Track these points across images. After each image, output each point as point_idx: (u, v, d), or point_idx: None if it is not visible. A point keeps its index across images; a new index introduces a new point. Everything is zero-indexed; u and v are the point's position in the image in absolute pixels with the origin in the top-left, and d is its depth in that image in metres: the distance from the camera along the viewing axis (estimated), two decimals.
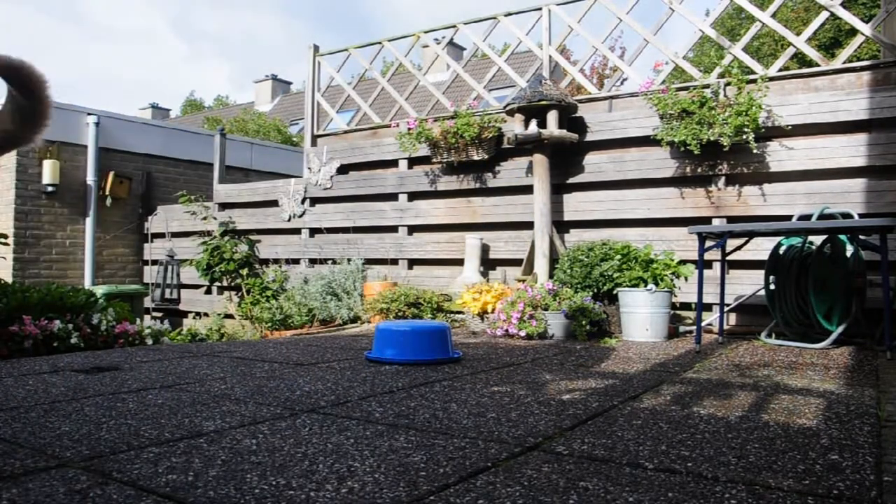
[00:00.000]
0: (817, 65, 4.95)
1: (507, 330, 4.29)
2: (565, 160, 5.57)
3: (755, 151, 4.74)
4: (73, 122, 8.56)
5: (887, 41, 4.76)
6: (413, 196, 6.54)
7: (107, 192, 8.68)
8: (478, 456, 1.52)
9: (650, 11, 5.57)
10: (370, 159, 6.85)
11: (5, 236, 4.89)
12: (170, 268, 8.34)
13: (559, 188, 5.64)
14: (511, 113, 5.58)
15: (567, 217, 5.63)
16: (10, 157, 8.10)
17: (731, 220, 4.90)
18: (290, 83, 34.82)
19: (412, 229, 6.58)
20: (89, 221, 8.65)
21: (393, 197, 6.64)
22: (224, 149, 8.32)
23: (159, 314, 8.49)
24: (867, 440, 1.67)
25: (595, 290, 4.50)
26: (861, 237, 3.79)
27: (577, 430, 1.77)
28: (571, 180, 5.61)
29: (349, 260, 6.60)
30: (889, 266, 3.45)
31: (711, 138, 4.66)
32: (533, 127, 5.29)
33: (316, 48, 7.44)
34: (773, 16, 5.17)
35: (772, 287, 4.14)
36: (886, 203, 4.39)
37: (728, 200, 4.94)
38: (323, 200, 7.15)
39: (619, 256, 4.45)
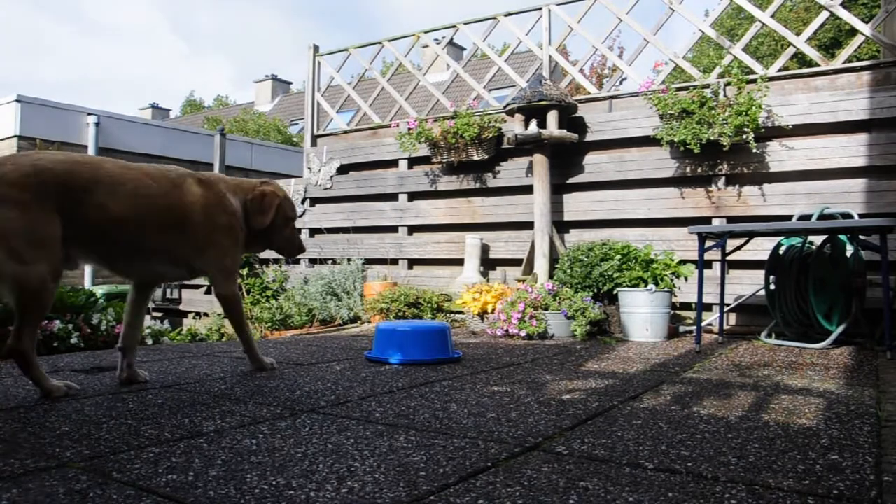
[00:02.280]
0: (817, 65, 4.95)
1: (507, 330, 4.29)
2: (565, 160, 5.57)
3: (755, 151, 4.74)
4: (73, 122, 8.57)
5: (887, 41, 4.76)
6: (413, 196, 6.55)
7: None
8: (478, 456, 1.52)
9: (650, 11, 5.58)
10: (370, 159, 6.85)
11: None
12: None
13: (559, 188, 5.64)
14: (511, 113, 5.58)
15: (567, 217, 5.63)
16: None
17: (731, 220, 4.90)
18: (290, 83, 34.84)
19: (412, 229, 6.58)
20: None
21: (393, 197, 6.64)
22: (224, 149, 8.33)
23: (159, 314, 8.49)
24: (867, 440, 1.67)
25: (595, 291, 4.50)
26: (861, 237, 3.79)
27: (577, 430, 1.77)
28: (571, 180, 5.61)
29: (349, 260, 6.60)
30: (889, 266, 3.45)
31: (711, 138, 4.67)
32: (533, 127, 5.29)
33: (316, 48, 7.44)
34: (773, 16, 5.17)
35: (772, 287, 4.14)
36: (886, 203, 4.39)
37: (728, 200, 4.94)
38: (323, 200, 7.15)
39: (619, 256, 4.45)
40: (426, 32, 6.73)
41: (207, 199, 2.43)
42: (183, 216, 2.36)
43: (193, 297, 8.32)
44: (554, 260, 5.24)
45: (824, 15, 4.98)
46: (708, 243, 3.89)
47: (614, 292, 4.39)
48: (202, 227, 2.41)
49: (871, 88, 4.60)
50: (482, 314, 4.86)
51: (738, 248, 4.31)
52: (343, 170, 7.03)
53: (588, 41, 5.86)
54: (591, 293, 4.49)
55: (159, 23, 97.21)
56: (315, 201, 7.19)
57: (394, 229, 6.64)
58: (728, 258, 4.29)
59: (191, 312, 8.35)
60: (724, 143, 4.63)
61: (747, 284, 4.74)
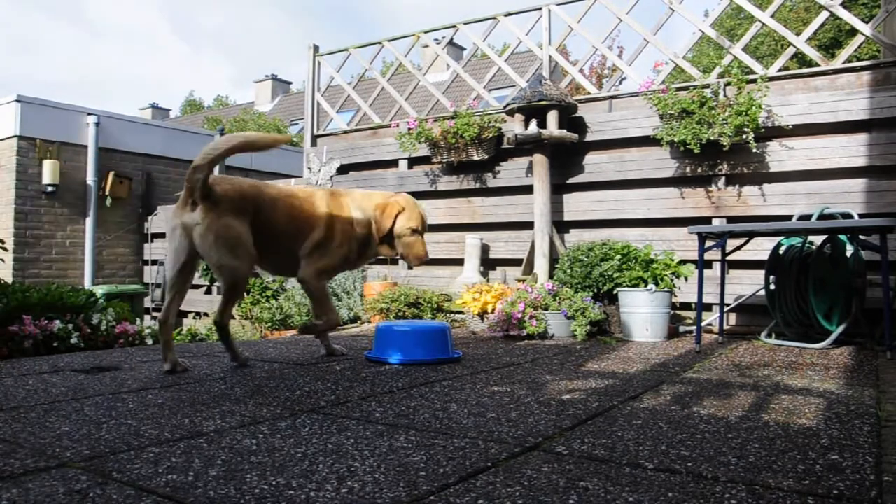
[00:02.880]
0: (817, 65, 4.95)
1: (507, 330, 4.28)
2: (565, 160, 5.57)
3: (755, 151, 4.74)
4: (73, 122, 8.56)
5: (887, 41, 4.76)
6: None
7: (107, 192, 8.68)
8: (478, 456, 1.52)
9: (650, 11, 5.58)
10: (370, 159, 6.85)
11: (2, 241, 4.89)
12: None
13: (559, 188, 5.64)
14: (511, 113, 5.58)
15: (567, 217, 5.63)
16: (10, 157, 8.10)
17: (731, 220, 4.90)
18: (290, 83, 34.82)
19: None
20: (89, 221, 8.65)
21: None
22: None
23: (159, 314, 8.48)
24: (867, 440, 1.67)
25: (595, 290, 4.50)
26: (861, 237, 3.80)
27: (577, 430, 1.77)
28: (571, 180, 5.61)
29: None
30: (889, 266, 3.45)
31: (711, 138, 4.67)
32: (533, 127, 5.29)
33: (316, 48, 7.44)
34: (773, 16, 5.18)
35: (772, 287, 4.14)
36: (886, 203, 4.39)
37: (728, 200, 4.94)
38: None
39: (619, 256, 4.45)
40: (426, 32, 6.73)
41: (332, 209, 3.02)
42: (315, 223, 2.98)
43: (193, 297, 8.31)
44: (554, 260, 5.24)
45: (824, 15, 4.98)
46: (708, 243, 3.89)
47: (614, 292, 4.39)
48: (323, 230, 2.99)
49: (871, 88, 4.60)
50: (482, 314, 4.86)
51: (738, 248, 4.31)
52: (343, 170, 7.03)
53: (588, 41, 5.86)
54: (591, 293, 4.49)
55: (160, 23, 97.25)
56: None
57: None
58: (728, 258, 4.28)
59: (191, 312, 8.34)
60: (724, 143, 4.63)
61: (747, 284, 4.74)
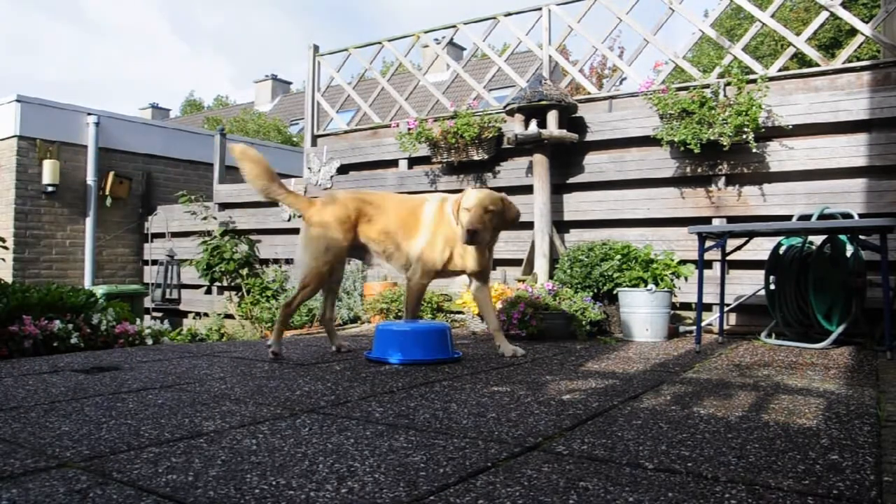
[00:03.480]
0: (817, 65, 4.95)
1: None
2: (565, 160, 5.57)
3: (755, 151, 4.74)
4: (73, 122, 8.56)
5: (887, 41, 4.76)
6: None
7: (107, 192, 8.68)
8: (478, 456, 1.52)
9: (650, 11, 5.57)
10: (370, 159, 6.85)
11: (3, 239, 4.89)
12: (170, 268, 8.35)
13: (559, 188, 5.64)
14: (511, 113, 5.58)
15: (567, 217, 5.62)
16: (11, 158, 8.10)
17: (731, 220, 4.90)
18: (290, 83, 34.80)
19: None
20: (89, 221, 8.64)
21: None
22: (224, 149, 8.32)
23: (159, 314, 8.49)
24: (867, 440, 1.67)
25: (595, 290, 4.50)
26: (861, 237, 3.79)
27: (577, 430, 1.77)
28: (571, 180, 5.61)
29: (350, 260, 6.59)
30: (889, 266, 3.45)
31: (711, 138, 4.66)
32: (533, 127, 5.28)
33: (316, 48, 7.44)
34: (773, 16, 5.17)
35: (772, 287, 4.14)
36: (886, 203, 4.39)
37: (728, 200, 4.94)
38: None
39: (619, 256, 4.45)
40: (426, 32, 6.72)
41: (436, 214, 3.33)
42: (419, 227, 3.34)
43: (193, 297, 8.32)
44: (554, 260, 5.24)
45: (824, 15, 4.98)
46: (708, 243, 3.89)
47: (614, 292, 4.39)
48: (428, 235, 3.33)
49: (871, 88, 4.60)
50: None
51: (738, 248, 4.31)
52: (343, 170, 7.03)
53: (588, 41, 5.85)
54: (591, 293, 4.49)
55: (159, 23, 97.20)
56: None
57: None
58: (728, 258, 4.28)
59: (191, 312, 8.35)
60: (724, 143, 4.63)
61: (747, 284, 4.74)
